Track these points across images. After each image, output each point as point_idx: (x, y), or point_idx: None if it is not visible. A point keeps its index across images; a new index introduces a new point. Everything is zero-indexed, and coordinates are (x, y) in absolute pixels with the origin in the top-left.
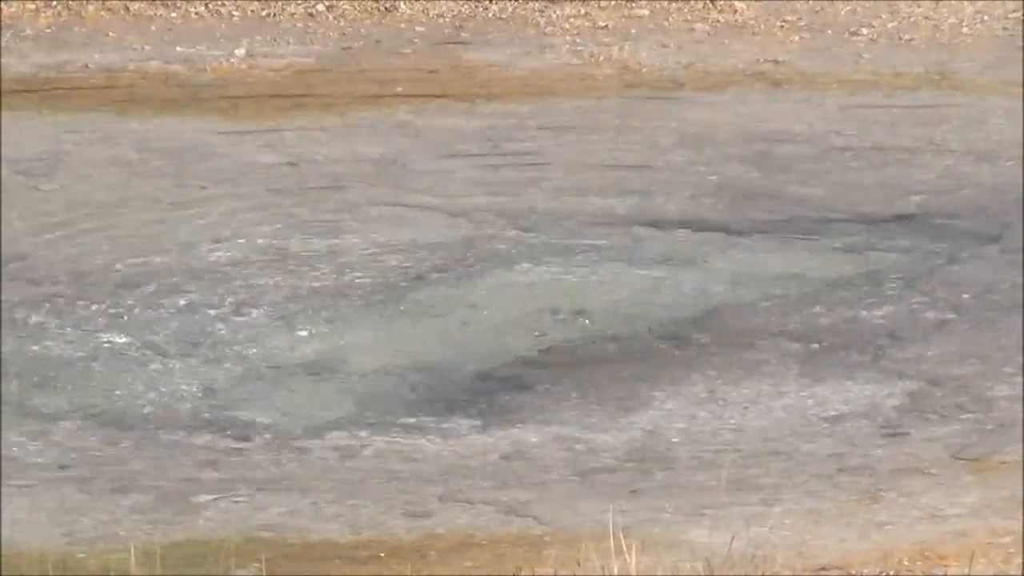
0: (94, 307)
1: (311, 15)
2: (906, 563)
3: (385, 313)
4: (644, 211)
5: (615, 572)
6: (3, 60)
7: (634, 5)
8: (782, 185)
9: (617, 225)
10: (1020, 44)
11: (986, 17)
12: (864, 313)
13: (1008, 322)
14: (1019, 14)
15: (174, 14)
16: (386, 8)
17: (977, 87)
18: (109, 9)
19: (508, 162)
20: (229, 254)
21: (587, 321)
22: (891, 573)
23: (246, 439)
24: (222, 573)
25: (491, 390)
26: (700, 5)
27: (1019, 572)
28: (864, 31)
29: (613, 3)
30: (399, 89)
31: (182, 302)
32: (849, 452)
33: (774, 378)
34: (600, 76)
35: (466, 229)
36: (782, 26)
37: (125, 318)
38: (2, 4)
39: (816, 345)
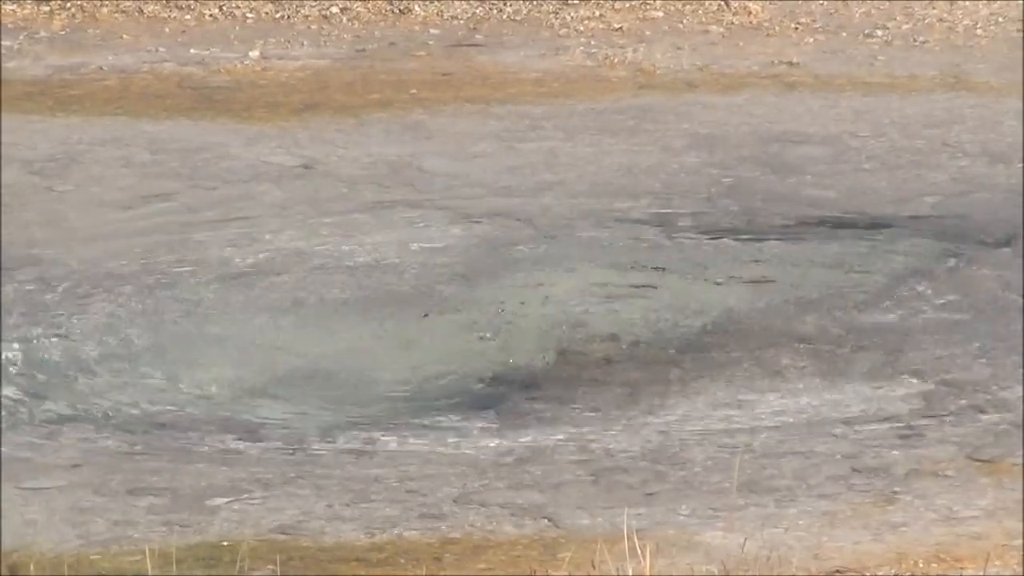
0: (109, 308)
1: (325, 17)
2: (921, 565)
3: (400, 315)
4: (658, 213)
5: (630, 574)
6: (18, 63)
7: (648, 7)
8: (796, 187)
9: (631, 227)
10: None
11: (1001, 19)
12: (878, 315)
13: (1022, 323)
14: None
15: (188, 16)
16: (400, 10)
17: (991, 89)
18: (123, 11)
19: (522, 163)
20: (243, 256)
21: (601, 323)
22: (906, 575)
23: (261, 441)
24: (236, 574)
25: (505, 393)
26: (714, 7)
27: None
28: (879, 33)
29: (627, 5)
30: (413, 91)
31: (196, 303)
32: (864, 454)
33: (788, 380)
34: (614, 78)
35: (480, 231)
36: (796, 28)
37: (140, 319)
38: (3, 6)
39: (830, 347)
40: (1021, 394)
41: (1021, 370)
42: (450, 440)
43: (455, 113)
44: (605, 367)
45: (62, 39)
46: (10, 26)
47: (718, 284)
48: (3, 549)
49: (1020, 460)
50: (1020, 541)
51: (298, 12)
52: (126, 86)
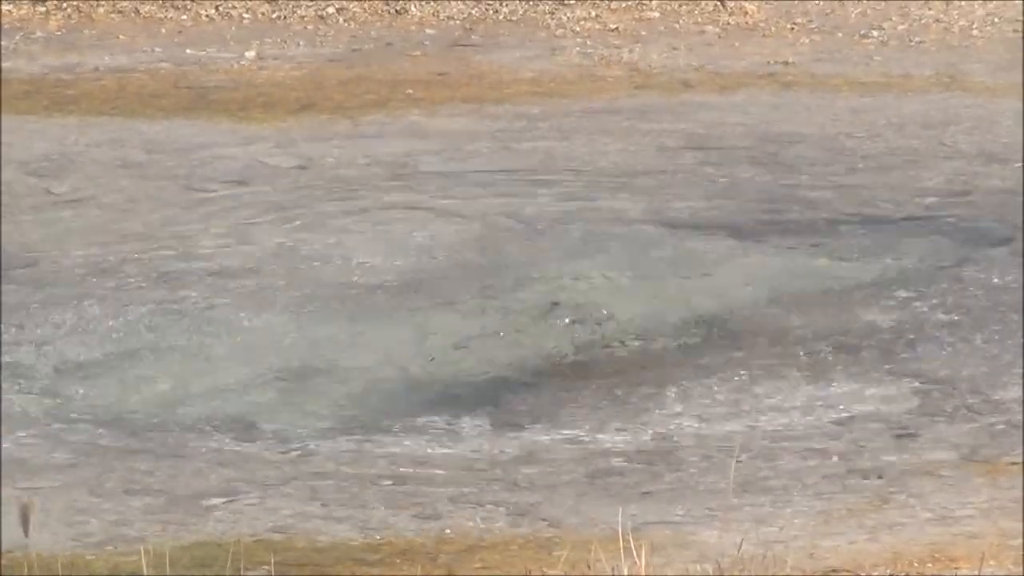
0: (105, 309)
1: (321, 17)
2: (916, 565)
3: (396, 315)
4: (654, 213)
5: (625, 574)
6: (14, 63)
7: (644, 8)
8: (792, 187)
9: (627, 227)
10: None
11: (996, 20)
12: (874, 315)
13: (1017, 324)
14: None
15: (184, 16)
16: (396, 11)
17: (987, 89)
18: (119, 11)
19: (518, 164)
20: (239, 256)
21: (597, 323)
22: (901, 575)
23: (256, 441)
24: (232, 575)
25: (501, 392)
26: (710, 7)
27: None
28: (874, 33)
29: (623, 5)
30: (409, 91)
31: (193, 304)
32: (859, 454)
33: (784, 380)
34: (610, 78)
35: (476, 231)
36: (792, 28)
37: (136, 320)
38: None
39: (826, 347)
40: (1017, 395)
41: (1017, 370)
42: (446, 440)
43: (451, 113)
44: (601, 366)
45: (58, 39)
46: (7, 26)
47: (714, 283)
48: (2, 549)
49: (1015, 460)
50: (1017, 540)
51: (294, 12)
52: (122, 86)
